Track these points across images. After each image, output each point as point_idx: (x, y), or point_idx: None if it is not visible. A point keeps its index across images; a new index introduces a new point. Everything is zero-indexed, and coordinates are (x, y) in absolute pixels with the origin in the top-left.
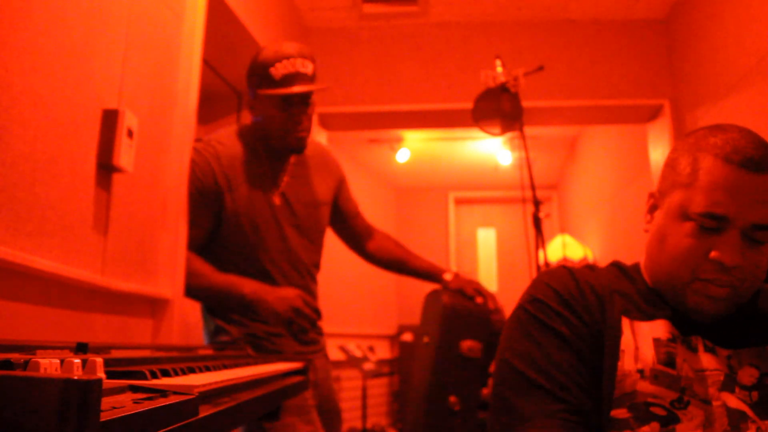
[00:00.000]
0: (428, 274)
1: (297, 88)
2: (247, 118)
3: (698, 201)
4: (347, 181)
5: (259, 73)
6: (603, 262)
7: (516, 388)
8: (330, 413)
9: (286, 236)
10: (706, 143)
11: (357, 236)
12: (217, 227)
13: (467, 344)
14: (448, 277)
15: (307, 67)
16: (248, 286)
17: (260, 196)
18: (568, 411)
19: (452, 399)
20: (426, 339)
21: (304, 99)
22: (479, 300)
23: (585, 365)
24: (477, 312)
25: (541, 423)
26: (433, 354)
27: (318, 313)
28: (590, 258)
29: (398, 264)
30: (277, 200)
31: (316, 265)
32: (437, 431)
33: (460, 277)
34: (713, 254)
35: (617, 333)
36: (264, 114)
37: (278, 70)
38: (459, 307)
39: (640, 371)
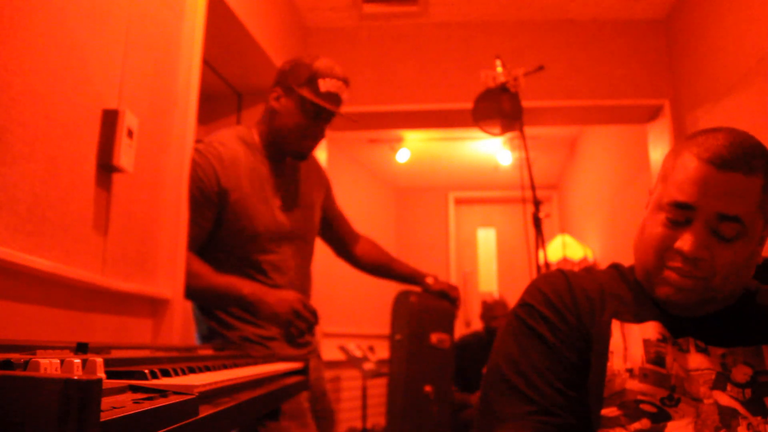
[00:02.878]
0: (411, 278)
1: (333, 108)
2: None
3: (669, 192)
4: (332, 187)
5: (308, 76)
6: (603, 262)
7: (495, 388)
8: (323, 413)
9: (285, 238)
10: (691, 142)
11: (343, 242)
12: (218, 228)
13: (436, 336)
14: (429, 280)
15: (345, 94)
16: (248, 287)
17: (262, 198)
18: (540, 412)
19: (427, 388)
20: (398, 336)
21: (329, 118)
22: (454, 294)
23: (569, 369)
24: (442, 308)
25: (513, 424)
26: (406, 348)
27: (316, 317)
28: (590, 258)
29: (383, 269)
30: (278, 202)
31: (309, 267)
32: (416, 419)
33: (440, 282)
34: (676, 243)
35: (606, 335)
36: (288, 111)
37: (326, 84)
38: (426, 305)
39: (629, 370)
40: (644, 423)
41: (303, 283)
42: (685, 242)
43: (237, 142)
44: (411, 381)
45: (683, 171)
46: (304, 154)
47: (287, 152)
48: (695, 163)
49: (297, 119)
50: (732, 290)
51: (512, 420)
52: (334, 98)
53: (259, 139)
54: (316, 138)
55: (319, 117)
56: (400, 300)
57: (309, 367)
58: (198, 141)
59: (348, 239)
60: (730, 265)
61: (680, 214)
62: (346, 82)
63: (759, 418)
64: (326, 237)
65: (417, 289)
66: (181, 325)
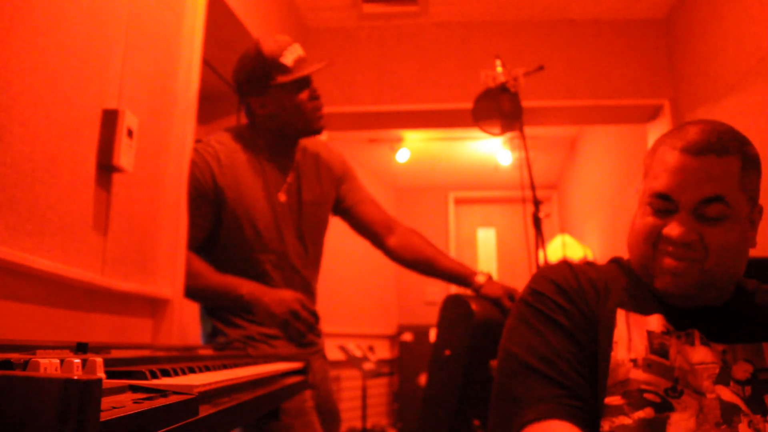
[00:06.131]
0: (457, 276)
1: (313, 67)
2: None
3: (650, 185)
4: (353, 172)
5: (269, 67)
6: (603, 262)
7: (517, 375)
8: (328, 414)
9: (286, 236)
10: (666, 137)
11: (373, 233)
12: (217, 228)
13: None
14: (480, 279)
15: (303, 51)
16: (246, 287)
17: (262, 196)
18: (568, 396)
19: (476, 422)
20: (448, 352)
21: (311, 80)
22: None
23: (588, 354)
24: None
25: (541, 407)
26: (460, 372)
27: (316, 317)
28: (590, 258)
29: (424, 263)
30: (282, 198)
31: (317, 266)
32: None
33: (494, 283)
34: (665, 230)
35: (611, 324)
36: (282, 105)
37: (288, 58)
38: (491, 321)
39: (633, 360)
40: (647, 412)
41: (308, 283)
42: (672, 228)
43: (236, 140)
44: (460, 412)
45: (661, 163)
46: (322, 125)
47: (307, 134)
48: (670, 153)
49: (294, 102)
50: (729, 276)
51: (539, 403)
52: (302, 61)
53: (260, 140)
54: (317, 101)
55: (308, 84)
56: (455, 306)
57: (312, 367)
58: (197, 140)
59: (379, 230)
60: (721, 246)
61: (663, 204)
62: (295, 41)
63: (759, 416)
64: (357, 230)
65: (469, 291)
66: (181, 325)
